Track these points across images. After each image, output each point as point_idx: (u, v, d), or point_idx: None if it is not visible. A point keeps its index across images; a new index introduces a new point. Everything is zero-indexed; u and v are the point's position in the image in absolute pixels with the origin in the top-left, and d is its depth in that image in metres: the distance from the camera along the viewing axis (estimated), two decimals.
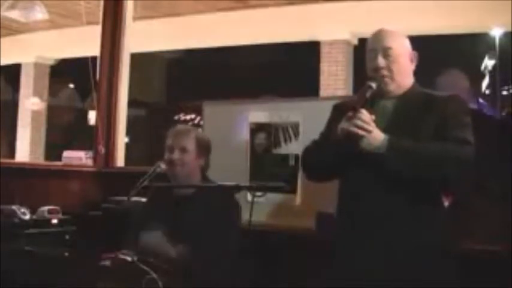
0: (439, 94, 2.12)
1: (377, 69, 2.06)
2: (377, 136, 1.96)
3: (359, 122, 1.95)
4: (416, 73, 2.18)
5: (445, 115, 2.02)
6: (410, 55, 2.14)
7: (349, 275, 1.99)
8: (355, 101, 2.02)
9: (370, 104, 2.04)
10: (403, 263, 1.93)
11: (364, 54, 2.17)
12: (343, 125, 1.98)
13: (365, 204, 1.99)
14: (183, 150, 2.56)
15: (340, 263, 2.06)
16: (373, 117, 1.98)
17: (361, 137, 1.96)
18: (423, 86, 2.19)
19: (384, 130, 1.98)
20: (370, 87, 2.03)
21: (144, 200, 2.82)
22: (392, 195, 1.96)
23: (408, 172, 1.94)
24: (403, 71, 2.10)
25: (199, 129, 2.82)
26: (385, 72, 2.06)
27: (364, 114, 1.96)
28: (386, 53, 2.07)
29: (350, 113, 1.97)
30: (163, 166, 2.52)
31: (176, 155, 2.55)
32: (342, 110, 2.08)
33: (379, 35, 2.13)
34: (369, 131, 1.95)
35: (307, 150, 2.22)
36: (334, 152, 2.05)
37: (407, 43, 2.15)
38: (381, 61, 2.06)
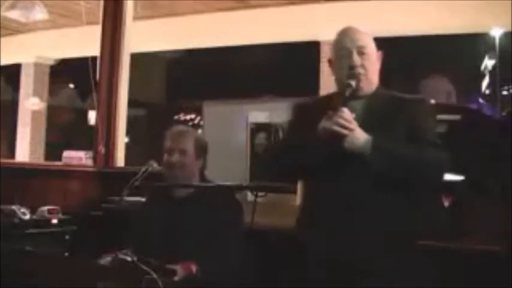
0: (407, 96, 2.11)
1: (352, 67, 2.03)
2: (359, 135, 1.94)
3: (341, 121, 1.91)
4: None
5: (416, 119, 2.02)
6: (377, 55, 2.12)
7: (336, 275, 1.95)
8: (335, 100, 1.99)
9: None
10: (388, 263, 1.92)
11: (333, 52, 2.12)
12: (325, 124, 1.94)
13: (346, 203, 1.95)
14: (183, 152, 2.55)
15: (319, 264, 2.00)
16: (354, 115, 1.95)
17: (344, 136, 1.93)
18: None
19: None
20: (350, 85, 2.00)
21: (143, 199, 2.82)
22: (376, 195, 1.94)
23: (391, 172, 1.92)
24: (374, 70, 2.09)
25: (197, 130, 2.82)
26: (360, 70, 2.04)
27: (346, 112, 1.93)
28: (360, 51, 2.05)
29: (330, 112, 1.94)
30: (155, 165, 2.52)
31: (176, 157, 2.54)
32: (313, 109, 2.06)
33: (351, 33, 2.10)
34: (352, 130, 1.93)
35: (277, 151, 2.17)
36: (312, 152, 1.99)
37: (373, 42, 2.13)
38: (357, 59, 2.04)
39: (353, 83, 2.01)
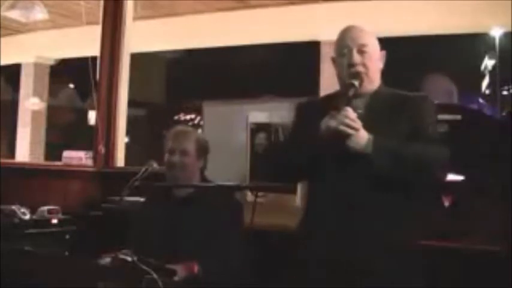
0: (409, 94, 2.11)
1: (352, 65, 2.03)
2: (363, 135, 1.93)
3: (347, 120, 1.91)
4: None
5: (419, 116, 2.01)
6: (380, 54, 2.12)
7: (338, 275, 1.94)
8: (338, 100, 1.98)
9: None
10: (393, 262, 1.91)
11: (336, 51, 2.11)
12: (330, 123, 1.93)
13: (348, 202, 1.95)
14: (184, 153, 2.56)
15: (319, 262, 1.99)
16: (357, 114, 1.95)
17: (348, 135, 1.92)
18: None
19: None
20: (353, 85, 2.00)
21: (143, 199, 2.82)
22: (377, 195, 1.93)
23: (392, 171, 1.91)
24: (375, 69, 2.08)
25: (198, 130, 2.82)
26: (361, 68, 2.04)
27: (350, 112, 1.93)
28: (361, 49, 2.05)
29: (333, 112, 1.93)
30: (155, 165, 2.51)
31: (177, 158, 2.54)
32: (315, 108, 2.05)
33: (352, 31, 2.10)
34: (357, 129, 1.92)
35: (279, 151, 2.16)
36: (315, 152, 1.99)
37: (377, 42, 2.13)
38: (357, 57, 2.04)
39: (356, 82, 2.01)
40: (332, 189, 1.99)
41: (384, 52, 2.13)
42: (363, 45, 2.05)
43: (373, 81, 2.08)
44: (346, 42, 2.08)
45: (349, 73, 2.04)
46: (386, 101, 2.06)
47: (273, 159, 2.18)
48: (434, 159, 1.93)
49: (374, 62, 2.08)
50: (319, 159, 1.99)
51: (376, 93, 2.08)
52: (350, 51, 2.05)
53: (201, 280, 2.28)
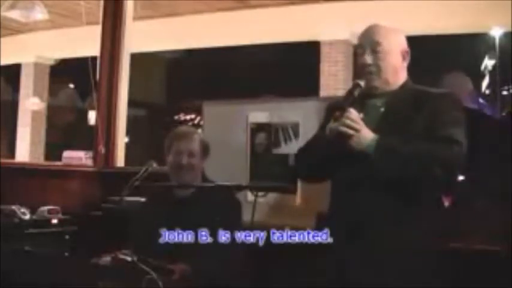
0: (432, 91, 2.06)
1: (364, 65, 2.03)
2: (366, 135, 1.92)
3: (347, 121, 1.91)
4: (415, 73, 2.15)
5: (437, 112, 1.96)
6: (403, 51, 2.08)
7: (340, 274, 1.96)
8: (342, 100, 1.98)
9: (361, 103, 2.00)
10: (393, 263, 1.91)
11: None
12: (332, 125, 1.95)
13: (354, 204, 1.96)
14: (192, 154, 2.56)
15: (331, 262, 2.02)
16: (361, 115, 1.95)
17: (351, 136, 1.92)
18: (421, 84, 2.14)
19: (374, 129, 1.94)
20: (358, 85, 1.99)
21: (143, 199, 2.82)
22: (381, 196, 1.93)
23: (395, 172, 1.90)
24: (392, 68, 2.04)
25: (199, 131, 2.82)
26: (372, 68, 2.02)
27: (352, 113, 1.92)
28: (374, 49, 2.02)
29: (337, 113, 1.93)
30: (155, 165, 2.51)
31: (185, 159, 2.54)
32: (332, 110, 2.04)
33: (369, 30, 2.08)
34: (358, 130, 1.92)
35: (299, 152, 2.20)
36: (324, 153, 2.01)
37: (400, 39, 2.09)
38: (368, 58, 2.02)
39: (362, 82, 2.00)
40: (339, 189, 2.04)
41: (408, 49, 2.09)
42: (376, 45, 2.03)
43: (389, 80, 2.05)
44: (360, 43, 2.08)
45: (359, 74, 2.04)
46: (407, 99, 2.02)
47: (299, 158, 2.20)
48: (442, 161, 1.87)
49: (389, 61, 2.03)
50: (329, 159, 2.01)
51: (396, 93, 2.05)
52: (363, 51, 2.05)
53: (200, 280, 2.28)
